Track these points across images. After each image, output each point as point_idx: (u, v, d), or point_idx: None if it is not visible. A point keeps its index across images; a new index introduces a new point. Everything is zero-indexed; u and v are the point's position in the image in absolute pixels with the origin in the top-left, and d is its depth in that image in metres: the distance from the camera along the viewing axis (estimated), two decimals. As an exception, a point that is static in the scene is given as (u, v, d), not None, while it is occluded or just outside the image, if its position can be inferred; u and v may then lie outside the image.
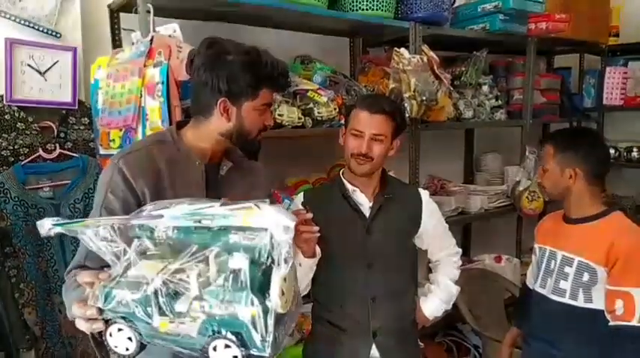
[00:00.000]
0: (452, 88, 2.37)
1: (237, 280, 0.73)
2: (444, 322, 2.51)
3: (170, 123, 1.39)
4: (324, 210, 1.38)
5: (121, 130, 1.43)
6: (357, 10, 1.97)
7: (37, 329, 1.55)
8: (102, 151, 1.52)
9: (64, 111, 1.61)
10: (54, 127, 1.58)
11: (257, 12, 1.79)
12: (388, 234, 1.46)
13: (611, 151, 3.26)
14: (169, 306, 0.75)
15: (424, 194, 1.58)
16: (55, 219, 0.82)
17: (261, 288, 0.74)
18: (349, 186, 1.49)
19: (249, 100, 1.11)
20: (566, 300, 1.53)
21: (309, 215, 1.21)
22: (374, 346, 1.44)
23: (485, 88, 2.64)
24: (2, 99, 1.50)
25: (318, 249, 1.33)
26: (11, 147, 1.53)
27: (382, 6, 1.99)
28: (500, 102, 2.69)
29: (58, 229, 0.81)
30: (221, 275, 0.75)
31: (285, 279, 0.74)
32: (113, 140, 1.45)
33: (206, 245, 0.76)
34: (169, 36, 1.48)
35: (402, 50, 2.07)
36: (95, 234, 0.80)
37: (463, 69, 2.51)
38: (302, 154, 2.32)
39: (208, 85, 1.09)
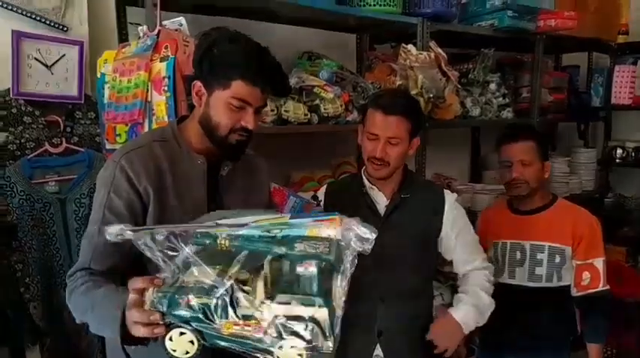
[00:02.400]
0: (459, 86, 2.35)
1: (304, 284, 0.77)
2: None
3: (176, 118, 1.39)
4: (341, 204, 1.46)
5: (127, 125, 1.43)
6: (364, 5, 1.96)
7: (42, 324, 1.55)
8: (108, 146, 1.51)
9: (70, 106, 1.60)
10: (60, 121, 1.57)
11: (264, 7, 1.78)
12: (401, 234, 1.43)
13: (619, 151, 3.23)
14: (235, 310, 0.77)
15: (450, 197, 1.51)
16: (123, 225, 0.84)
17: (321, 291, 0.77)
18: (367, 183, 1.48)
19: (220, 89, 1.06)
20: (543, 284, 1.71)
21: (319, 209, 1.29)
22: (378, 346, 1.43)
23: (492, 86, 2.62)
24: (9, 93, 1.50)
25: None
26: (18, 141, 1.52)
27: (390, 2, 1.98)
28: (507, 100, 2.67)
29: (129, 235, 0.83)
30: (287, 278, 0.78)
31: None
32: (119, 135, 1.44)
33: (269, 253, 0.79)
34: (176, 30, 1.47)
35: (410, 46, 2.05)
36: (155, 240, 0.82)
37: (471, 66, 2.50)
38: (307, 151, 2.31)
39: (194, 70, 1.09)
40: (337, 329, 0.76)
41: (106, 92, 1.49)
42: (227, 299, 0.76)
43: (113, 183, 1.05)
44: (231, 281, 0.76)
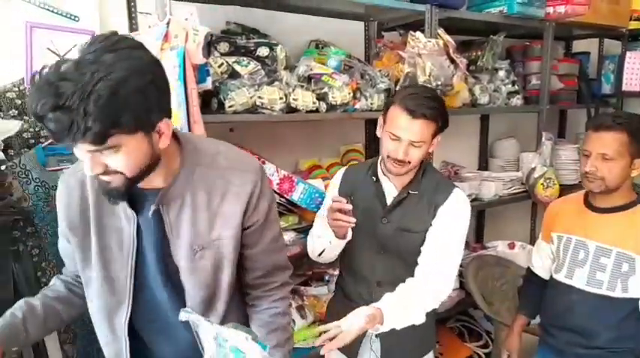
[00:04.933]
0: (468, 73, 2.34)
1: None
2: (455, 307, 2.52)
3: (187, 107, 1.41)
4: (354, 189, 1.50)
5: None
6: (372, -7, 1.95)
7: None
8: (120, 134, 1.54)
9: (82, 95, 1.63)
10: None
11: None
12: (402, 227, 1.44)
13: (630, 139, 3.19)
14: None
15: (456, 195, 1.45)
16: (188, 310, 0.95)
17: None
18: (380, 173, 1.49)
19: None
20: (604, 291, 1.52)
21: (349, 206, 1.31)
22: None
23: (501, 73, 2.60)
24: (23, 83, 1.53)
25: (349, 233, 1.40)
26: (32, 130, 1.56)
27: (398, -11, 1.97)
28: (516, 87, 2.65)
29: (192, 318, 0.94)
30: None
31: None
32: (131, 123, 1.47)
33: None
34: (185, 19, 1.49)
35: (418, 34, 2.05)
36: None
37: (479, 53, 2.48)
38: (315, 138, 2.33)
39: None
40: None
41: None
42: None
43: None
44: None
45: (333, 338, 1.19)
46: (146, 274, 1.07)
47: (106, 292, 1.07)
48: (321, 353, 1.20)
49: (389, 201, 1.47)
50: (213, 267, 1.07)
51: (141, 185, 0.98)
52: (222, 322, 1.11)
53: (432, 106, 1.35)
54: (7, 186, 1.46)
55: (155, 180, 1.00)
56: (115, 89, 0.79)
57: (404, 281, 1.41)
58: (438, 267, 1.39)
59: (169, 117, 0.94)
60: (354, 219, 1.32)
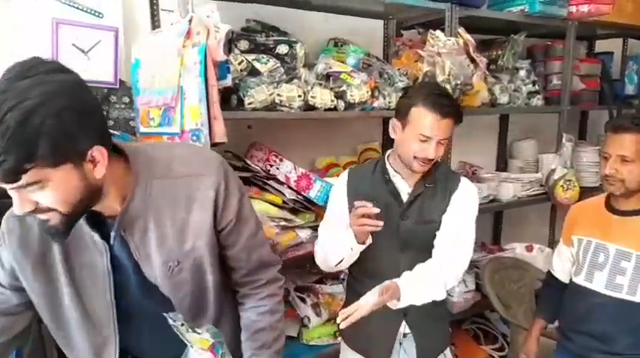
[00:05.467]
0: (487, 72, 2.32)
1: None
2: (471, 309, 2.50)
3: (207, 103, 1.42)
4: (364, 191, 1.47)
5: (160, 109, 1.47)
6: (392, -9, 1.95)
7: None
8: (142, 129, 1.57)
9: (105, 90, 1.66)
10: (96, 106, 1.63)
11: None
12: (421, 222, 1.46)
13: (653, 141, 3.13)
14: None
15: (465, 181, 1.52)
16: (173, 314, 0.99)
17: None
18: (391, 171, 1.50)
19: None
20: (623, 296, 1.50)
21: (377, 210, 1.29)
22: (404, 323, 1.48)
23: (522, 73, 2.57)
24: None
25: (370, 238, 1.39)
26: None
27: (418, -13, 1.96)
28: (537, 87, 2.62)
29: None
30: None
31: None
32: (153, 119, 1.49)
33: None
34: (207, 16, 1.50)
35: (438, 32, 2.04)
36: None
37: (500, 52, 2.46)
38: (333, 136, 2.33)
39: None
40: None
41: (140, 77, 1.54)
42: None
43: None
44: None
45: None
46: (130, 301, 1.03)
47: (90, 333, 1.02)
48: (341, 327, 1.24)
49: (404, 197, 1.48)
50: (193, 276, 1.04)
51: (104, 213, 0.94)
52: (216, 324, 1.10)
53: (453, 104, 1.42)
54: None
55: (115, 206, 0.94)
56: (25, 118, 0.71)
57: None
58: (455, 247, 1.43)
59: (104, 143, 0.84)
60: (381, 223, 1.31)
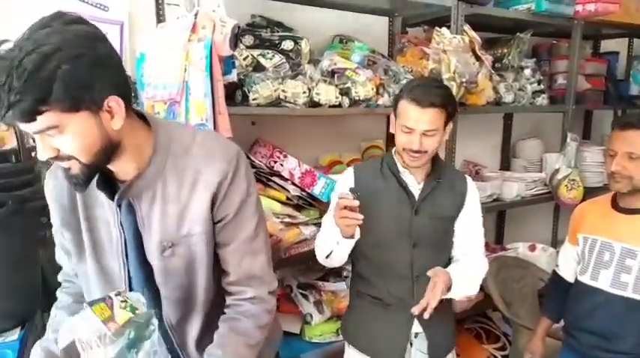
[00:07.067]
0: (493, 71, 2.31)
1: None
2: (473, 308, 2.50)
3: (212, 98, 1.42)
4: (373, 187, 1.46)
5: (165, 103, 1.47)
6: (398, -12, 1.94)
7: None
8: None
9: (110, 85, 1.65)
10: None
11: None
12: (434, 216, 1.46)
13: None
14: None
15: (470, 181, 1.56)
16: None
17: None
18: (400, 166, 1.49)
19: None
20: (629, 294, 1.50)
21: (356, 202, 1.27)
22: (416, 321, 1.47)
23: (527, 72, 2.56)
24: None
25: (357, 232, 1.36)
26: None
27: (425, -16, 1.95)
28: (542, 86, 2.61)
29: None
30: None
31: None
32: (158, 113, 1.49)
33: None
34: (213, 11, 1.49)
35: (444, 30, 2.03)
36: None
37: (505, 51, 2.44)
38: (337, 133, 2.32)
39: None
40: None
41: (145, 72, 1.53)
42: None
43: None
44: None
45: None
46: (133, 271, 1.03)
47: (103, 284, 1.04)
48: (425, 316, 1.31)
49: (415, 192, 1.46)
50: (185, 268, 1.01)
51: (119, 175, 0.96)
52: (203, 334, 1.06)
53: (438, 94, 1.37)
54: (37, 173, 1.48)
55: (130, 171, 0.95)
56: (41, 62, 0.75)
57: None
58: (476, 247, 1.52)
59: (122, 95, 0.87)
60: (361, 216, 1.28)
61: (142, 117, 0.98)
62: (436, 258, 1.46)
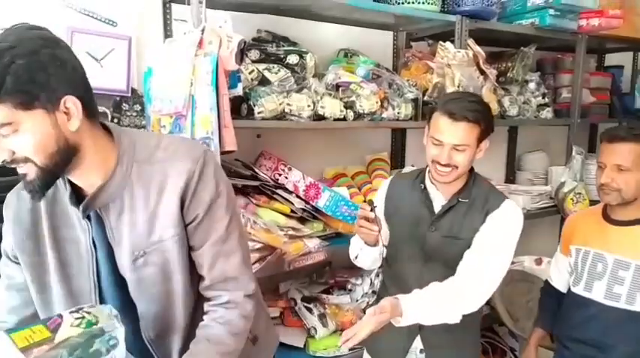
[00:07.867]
0: (497, 84, 2.32)
1: None
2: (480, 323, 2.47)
3: (218, 111, 1.43)
4: (401, 197, 1.49)
5: (171, 117, 1.48)
6: (402, 3, 1.96)
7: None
8: (152, 137, 1.57)
9: (117, 98, 1.68)
10: (108, 113, 1.65)
11: (303, 4, 1.81)
12: (450, 236, 1.40)
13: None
14: None
15: (508, 203, 1.41)
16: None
17: None
18: (428, 181, 1.47)
19: None
20: (622, 305, 1.50)
21: (372, 214, 1.29)
22: (418, 338, 1.46)
23: (531, 85, 2.57)
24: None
25: (381, 240, 1.36)
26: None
27: (429, -1, 1.97)
28: (546, 100, 2.62)
29: None
30: None
31: None
32: (164, 126, 1.50)
33: None
34: (220, 27, 1.52)
35: (448, 44, 2.04)
36: None
37: (509, 65, 2.46)
38: (341, 146, 2.33)
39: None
40: None
41: (152, 85, 1.55)
42: None
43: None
44: None
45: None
46: (105, 288, 1.01)
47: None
48: (343, 347, 1.24)
49: (436, 208, 1.44)
50: (160, 276, 0.98)
51: (84, 187, 0.94)
52: (186, 344, 1.01)
53: (473, 108, 1.32)
54: None
55: (95, 183, 0.93)
56: None
57: None
58: (481, 271, 1.33)
59: (80, 98, 0.86)
60: (377, 228, 1.30)
61: (106, 129, 0.97)
62: (446, 277, 1.39)
